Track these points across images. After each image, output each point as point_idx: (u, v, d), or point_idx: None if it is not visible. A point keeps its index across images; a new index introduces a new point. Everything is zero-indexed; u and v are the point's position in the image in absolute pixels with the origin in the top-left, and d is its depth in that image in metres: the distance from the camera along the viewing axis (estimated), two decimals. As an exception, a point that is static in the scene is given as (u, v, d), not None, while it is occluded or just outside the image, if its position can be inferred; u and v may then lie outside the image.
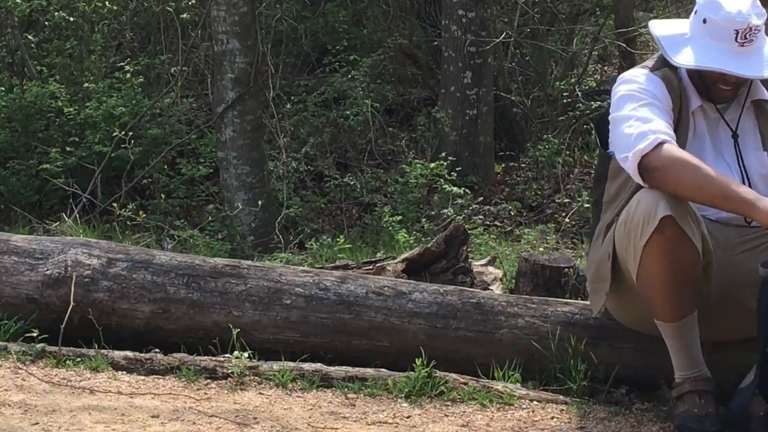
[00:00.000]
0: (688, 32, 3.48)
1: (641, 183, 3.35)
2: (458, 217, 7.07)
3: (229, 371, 3.76)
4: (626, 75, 3.56)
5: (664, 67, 3.53)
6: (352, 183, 8.15)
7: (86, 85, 8.76)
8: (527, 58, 9.87)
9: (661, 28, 3.55)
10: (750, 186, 3.41)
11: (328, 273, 4.13)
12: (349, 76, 9.10)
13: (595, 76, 10.60)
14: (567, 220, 7.39)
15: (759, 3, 3.45)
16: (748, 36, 3.38)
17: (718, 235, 3.45)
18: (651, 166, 3.31)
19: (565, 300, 4.05)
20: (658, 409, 3.63)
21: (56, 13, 9.05)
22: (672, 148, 3.31)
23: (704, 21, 3.43)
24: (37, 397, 3.51)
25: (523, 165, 8.87)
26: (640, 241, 3.30)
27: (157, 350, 3.92)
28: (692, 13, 3.50)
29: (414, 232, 6.80)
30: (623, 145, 3.38)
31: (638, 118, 3.38)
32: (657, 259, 3.29)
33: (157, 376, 3.77)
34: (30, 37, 9.30)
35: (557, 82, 9.37)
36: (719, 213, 3.46)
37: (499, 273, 4.81)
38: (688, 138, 3.51)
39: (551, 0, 9.86)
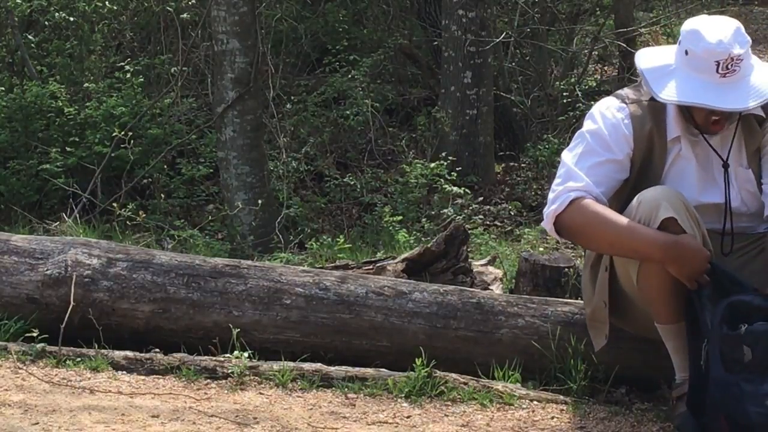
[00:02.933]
0: (673, 63, 3.45)
1: (558, 239, 3.54)
2: (458, 217, 7.06)
3: (229, 371, 3.76)
4: (598, 108, 3.57)
5: (643, 98, 3.53)
6: (352, 183, 8.14)
7: (86, 85, 8.76)
8: (527, 58, 9.87)
9: (646, 59, 3.52)
10: (732, 218, 3.47)
11: (328, 273, 4.13)
12: (349, 76, 9.10)
13: (595, 76, 10.60)
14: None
15: (743, 31, 3.40)
16: (729, 66, 3.33)
17: (712, 243, 3.45)
18: (565, 225, 3.44)
19: (565, 300, 4.05)
20: (658, 409, 3.63)
21: (56, 13, 9.05)
22: (583, 206, 3.40)
23: (686, 53, 3.39)
24: (37, 397, 3.51)
25: (523, 165, 8.87)
26: None
27: (157, 350, 3.91)
28: (678, 43, 3.47)
29: (414, 232, 6.80)
30: (548, 201, 3.51)
31: (568, 173, 3.46)
32: None
33: (157, 376, 3.77)
34: (30, 37, 9.30)
35: (557, 82, 9.38)
36: (713, 224, 3.47)
37: (499, 273, 4.80)
38: (667, 164, 3.50)
39: (551, 0, 9.86)
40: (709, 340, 3.22)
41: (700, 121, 3.46)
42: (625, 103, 3.54)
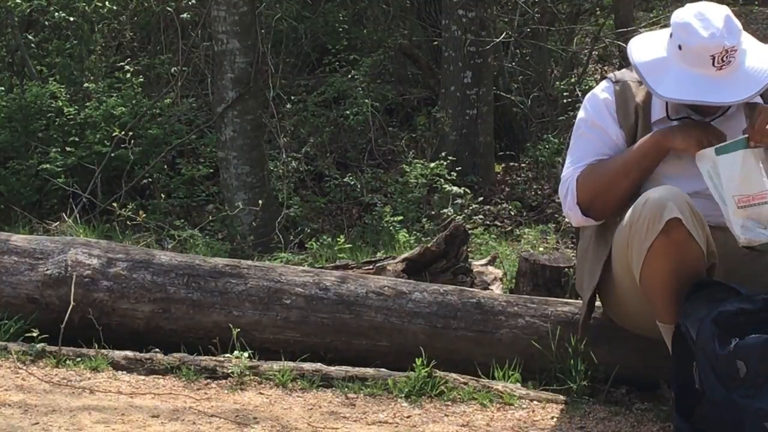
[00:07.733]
0: (666, 53, 3.45)
1: (592, 223, 3.59)
2: (458, 217, 7.06)
3: (229, 371, 3.76)
4: (589, 96, 3.66)
5: (632, 78, 3.59)
6: (352, 183, 8.15)
7: (86, 85, 8.76)
8: (527, 58, 9.86)
9: (638, 51, 3.51)
10: None
11: (328, 273, 4.13)
12: (349, 76, 9.10)
13: (595, 76, 10.57)
14: (567, 219, 7.38)
15: (733, 18, 3.39)
16: (725, 59, 3.35)
17: (716, 240, 3.44)
18: (586, 203, 3.53)
19: (565, 300, 4.05)
20: (658, 409, 3.63)
21: (56, 13, 9.06)
22: (582, 175, 3.53)
23: (680, 47, 3.40)
24: (37, 397, 3.51)
25: (523, 165, 8.88)
26: (645, 242, 3.29)
27: (157, 350, 3.92)
28: (669, 35, 3.46)
29: (414, 232, 6.80)
30: (562, 204, 3.63)
31: (571, 168, 3.57)
32: (662, 261, 3.28)
33: (157, 376, 3.77)
34: (30, 37, 9.30)
35: (557, 82, 9.37)
36: (718, 218, 3.47)
37: (499, 273, 4.80)
38: None
39: (551, 0, 9.85)
40: (697, 359, 3.16)
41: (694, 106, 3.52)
42: (611, 81, 3.62)
